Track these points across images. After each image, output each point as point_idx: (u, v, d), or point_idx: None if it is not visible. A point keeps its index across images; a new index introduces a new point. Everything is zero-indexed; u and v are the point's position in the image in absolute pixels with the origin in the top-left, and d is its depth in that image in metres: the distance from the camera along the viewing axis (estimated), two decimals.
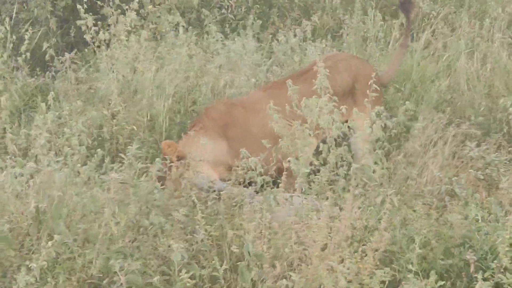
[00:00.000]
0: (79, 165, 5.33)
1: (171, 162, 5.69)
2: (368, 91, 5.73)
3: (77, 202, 4.99)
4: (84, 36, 7.64)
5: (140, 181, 5.25)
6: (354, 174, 5.37)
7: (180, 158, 5.84)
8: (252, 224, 4.73)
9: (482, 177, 6.01)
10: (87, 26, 7.57)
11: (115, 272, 4.46)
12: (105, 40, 7.55)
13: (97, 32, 7.57)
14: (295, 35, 8.11)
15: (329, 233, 4.64)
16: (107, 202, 4.87)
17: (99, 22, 7.65)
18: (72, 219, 4.83)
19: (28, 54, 7.46)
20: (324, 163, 5.53)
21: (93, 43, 7.61)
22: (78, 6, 7.63)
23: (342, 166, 5.53)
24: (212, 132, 6.12)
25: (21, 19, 8.24)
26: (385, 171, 5.62)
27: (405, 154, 6.22)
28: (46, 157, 5.36)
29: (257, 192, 5.40)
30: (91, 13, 7.66)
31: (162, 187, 5.41)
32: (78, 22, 7.67)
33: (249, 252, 4.58)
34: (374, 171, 5.45)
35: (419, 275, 4.59)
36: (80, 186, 5.14)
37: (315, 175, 5.43)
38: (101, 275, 4.61)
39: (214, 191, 5.37)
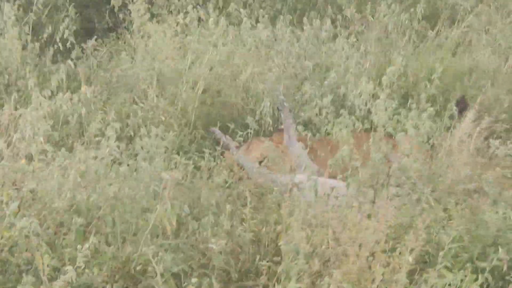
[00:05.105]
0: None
1: None
2: None
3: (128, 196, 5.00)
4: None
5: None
6: (394, 172, 5.42)
7: None
8: (291, 219, 4.73)
9: (510, 175, 6.01)
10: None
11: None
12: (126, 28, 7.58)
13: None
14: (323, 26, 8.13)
15: (366, 230, 4.65)
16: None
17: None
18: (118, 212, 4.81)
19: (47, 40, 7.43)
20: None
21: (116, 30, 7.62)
22: None
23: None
24: None
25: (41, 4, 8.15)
26: (424, 169, 5.67)
27: (442, 153, 6.24)
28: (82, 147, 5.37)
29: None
30: None
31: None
32: None
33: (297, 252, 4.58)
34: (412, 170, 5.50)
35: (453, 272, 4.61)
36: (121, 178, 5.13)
37: None
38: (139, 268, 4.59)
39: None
